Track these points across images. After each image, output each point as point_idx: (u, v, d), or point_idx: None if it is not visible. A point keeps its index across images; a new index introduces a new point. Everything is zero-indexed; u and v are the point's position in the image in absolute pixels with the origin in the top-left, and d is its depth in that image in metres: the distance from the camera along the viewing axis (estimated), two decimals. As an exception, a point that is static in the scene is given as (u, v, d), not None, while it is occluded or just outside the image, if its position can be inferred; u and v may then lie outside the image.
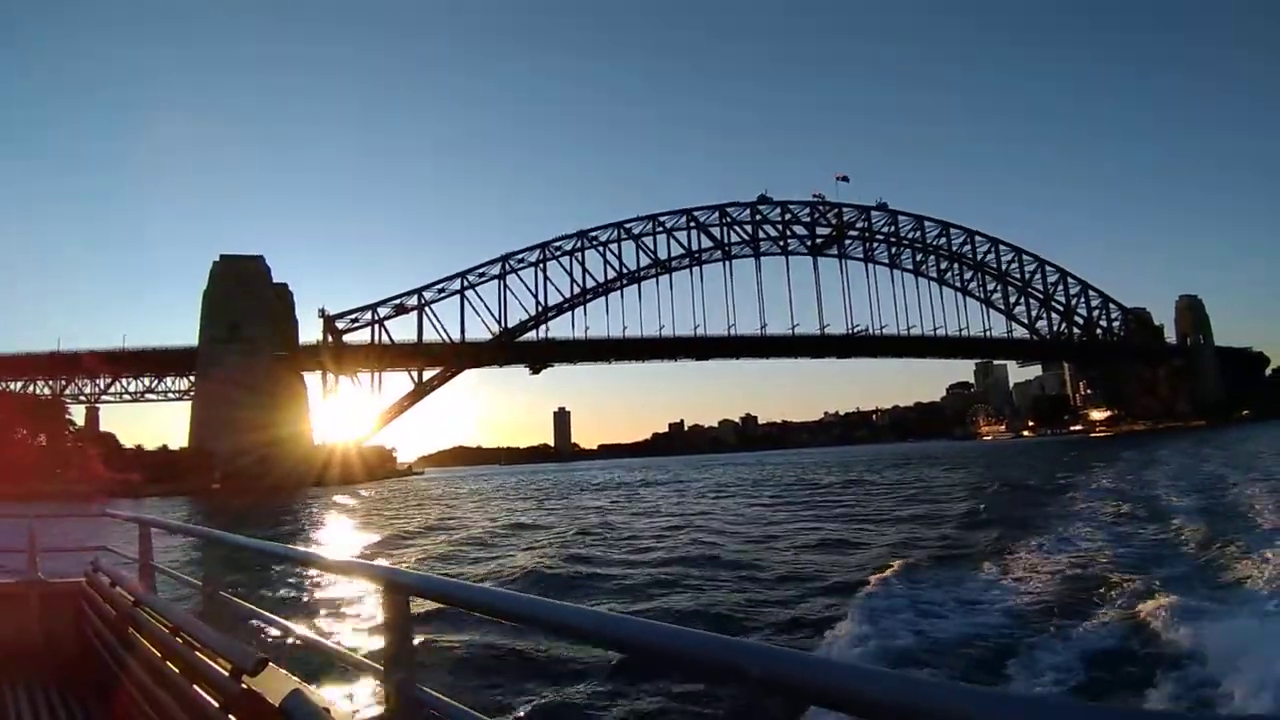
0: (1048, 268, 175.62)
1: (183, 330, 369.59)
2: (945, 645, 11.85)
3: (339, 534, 39.93)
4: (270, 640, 7.97)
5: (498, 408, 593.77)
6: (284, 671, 3.00)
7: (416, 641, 2.73)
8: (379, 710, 2.66)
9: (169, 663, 3.82)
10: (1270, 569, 14.58)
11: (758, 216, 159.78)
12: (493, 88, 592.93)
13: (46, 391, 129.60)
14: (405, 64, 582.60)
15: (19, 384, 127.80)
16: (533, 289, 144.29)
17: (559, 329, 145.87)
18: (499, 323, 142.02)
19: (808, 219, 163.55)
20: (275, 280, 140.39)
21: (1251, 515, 22.88)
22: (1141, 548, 19.53)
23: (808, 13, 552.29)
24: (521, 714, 9.68)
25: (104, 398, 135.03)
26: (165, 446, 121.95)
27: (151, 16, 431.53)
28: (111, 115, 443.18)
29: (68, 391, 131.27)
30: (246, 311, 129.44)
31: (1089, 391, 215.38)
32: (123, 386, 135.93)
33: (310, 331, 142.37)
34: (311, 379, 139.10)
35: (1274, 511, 22.62)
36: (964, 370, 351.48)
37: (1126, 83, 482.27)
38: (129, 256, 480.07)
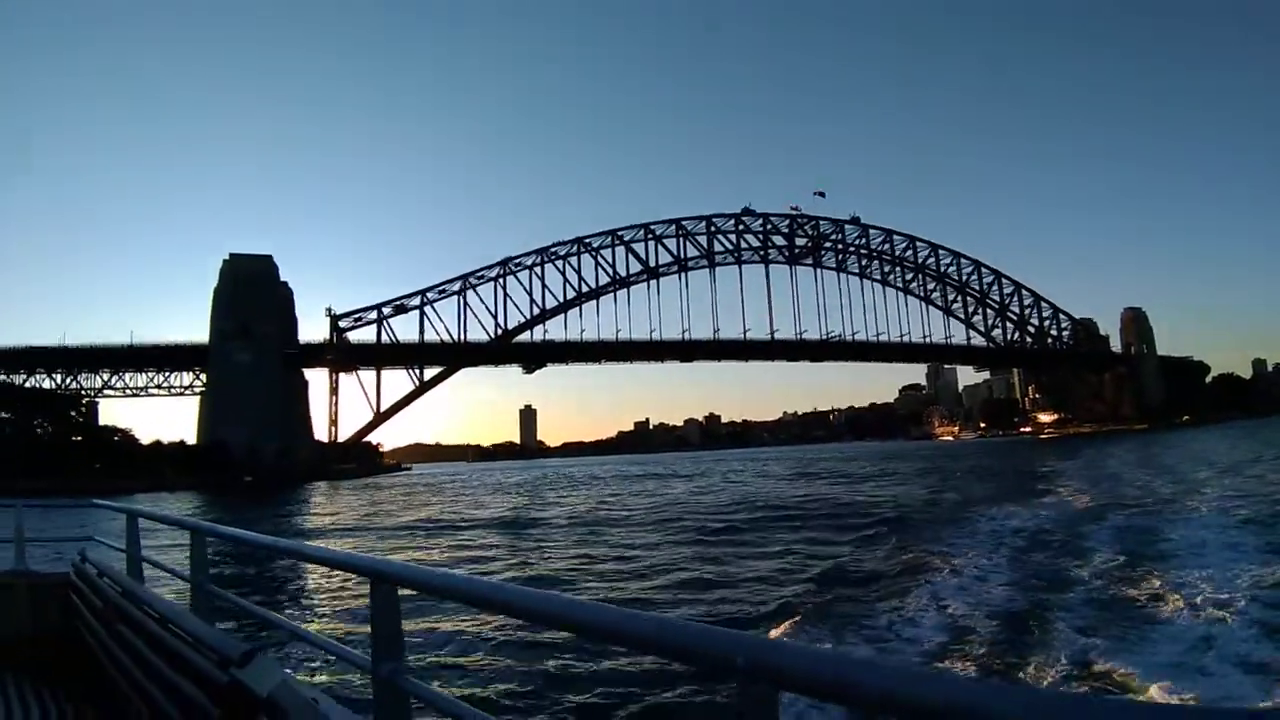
0: (1003, 280, 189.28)
1: (185, 326, 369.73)
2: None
3: (444, 520, 43.49)
4: (258, 631, 9.62)
5: (460, 405, 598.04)
6: (272, 662, 2.95)
7: (404, 632, 2.71)
8: (367, 701, 2.88)
9: (156, 654, 3.76)
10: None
11: (741, 227, 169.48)
12: (495, 101, 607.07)
13: (49, 385, 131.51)
14: (412, 74, 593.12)
15: (24, 378, 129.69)
16: (530, 291, 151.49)
17: (553, 330, 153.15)
18: (496, 323, 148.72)
19: (786, 230, 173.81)
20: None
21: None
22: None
23: (790, 37, 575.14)
24: (509, 703, 9.83)
25: (107, 392, 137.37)
26: (182, 441, 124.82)
27: (160, 17, 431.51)
28: (122, 113, 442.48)
29: (72, 386, 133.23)
30: (256, 309, 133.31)
31: (1037, 395, 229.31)
32: (126, 381, 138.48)
33: (309, 330, 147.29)
34: (313, 375, 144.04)
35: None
36: (916, 373, 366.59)
37: (1082, 109, 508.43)
38: (134, 253, 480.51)
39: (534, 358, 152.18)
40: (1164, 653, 10.36)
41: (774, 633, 12.34)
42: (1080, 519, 23.70)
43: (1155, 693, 8.84)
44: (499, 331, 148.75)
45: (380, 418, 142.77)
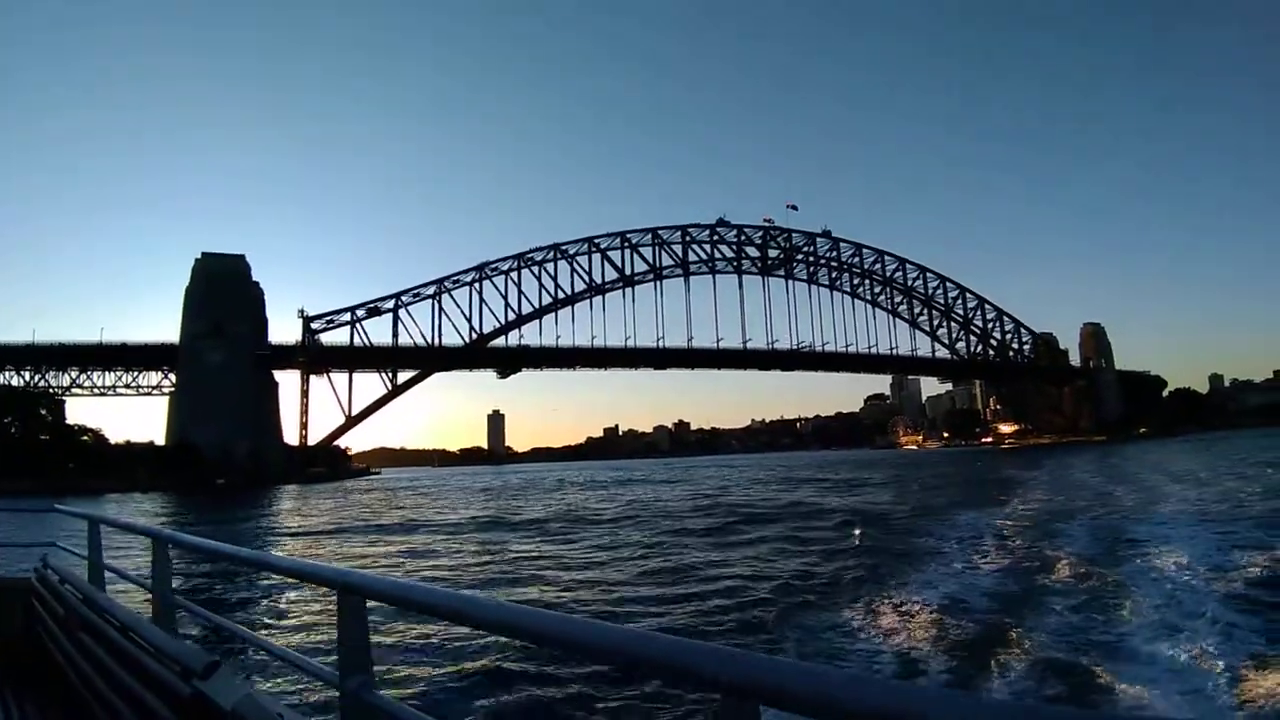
0: (967, 294, 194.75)
1: (156, 325, 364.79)
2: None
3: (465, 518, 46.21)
4: (221, 642, 9.74)
5: (426, 409, 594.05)
6: (236, 674, 3.01)
7: (372, 644, 2.68)
8: (333, 715, 2.77)
9: (119, 664, 3.72)
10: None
11: (715, 238, 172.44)
12: (474, 107, 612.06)
13: (17, 382, 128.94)
14: (391, 79, 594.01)
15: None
16: (505, 296, 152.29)
17: (528, 336, 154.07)
18: (471, 328, 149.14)
19: (760, 242, 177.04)
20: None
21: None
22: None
23: (767, 57, 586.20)
24: (478, 718, 9.71)
25: (75, 390, 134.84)
26: (152, 442, 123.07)
27: (131, 17, 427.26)
28: (94, 109, 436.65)
29: (39, 384, 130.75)
30: (229, 309, 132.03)
31: (998, 407, 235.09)
32: (94, 380, 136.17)
33: (280, 331, 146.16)
34: (283, 377, 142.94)
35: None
36: (880, 383, 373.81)
37: (1043, 132, 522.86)
38: (105, 250, 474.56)
39: (509, 363, 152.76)
40: (1141, 615, 12.23)
41: (756, 647, 11.89)
42: (1054, 518, 25.87)
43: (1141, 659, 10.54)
44: (473, 336, 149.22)
45: (352, 421, 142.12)
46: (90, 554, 5.92)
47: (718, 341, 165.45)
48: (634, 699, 9.77)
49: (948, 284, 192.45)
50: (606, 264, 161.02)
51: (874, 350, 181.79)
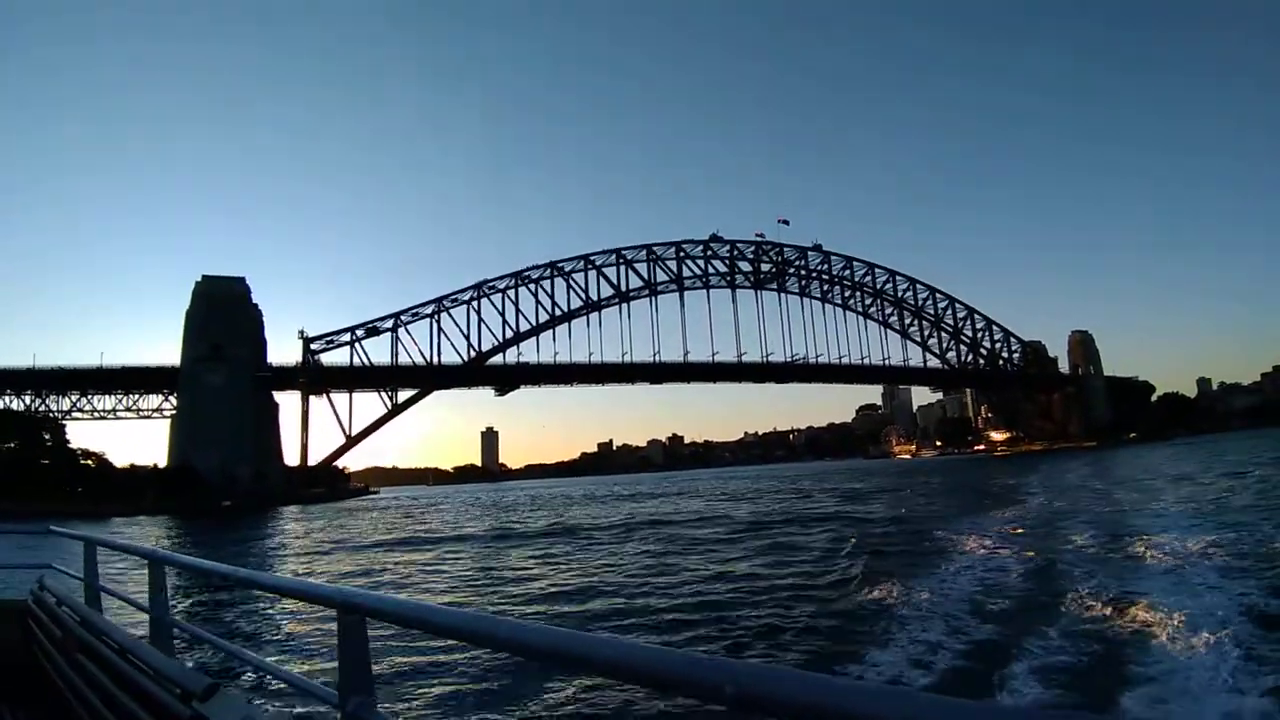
0: (957, 304, 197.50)
1: (156, 348, 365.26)
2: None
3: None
4: (221, 664, 9.76)
5: (419, 427, 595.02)
6: (236, 696, 2.95)
7: (373, 664, 2.62)
8: None
9: (117, 686, 3.70)
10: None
11: (709, 253, 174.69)
12: (470, 127, 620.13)
13: (18, 406, 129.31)
14: (388, 100, 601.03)
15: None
16: (503, 314, 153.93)
17: (526, 353, 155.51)
18: (470, 345, 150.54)
19: (752, 256, 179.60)
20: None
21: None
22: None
23: (756, 74, 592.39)
24: None
25: (75, 414, 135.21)
26: (155, 465, 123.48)
27: (131, 36, 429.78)
28: (94, 132, 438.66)
29: (40, 408, 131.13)
30: (229, 332, 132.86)
31: (989, 415, 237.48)
32: (94, 404, 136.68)
33: (280, 352, 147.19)
34: (283, 398, 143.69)
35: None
36: (872, 393, 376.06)
37: (1031, 141, 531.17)
38: (106, 274, 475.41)
39: (507, 380, 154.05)
40: (1147, 587, 14.03)
41: (764, 658, 12.24)
42: (1058, 516, 27.72)
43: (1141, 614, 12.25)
44: (472, 354, 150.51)
45: (352, 441, 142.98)
46: (86, 575, 5.87)
47: (713, 355, 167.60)
48: (639, 713, 9.76)
49: (937, 295, 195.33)
50: (603, 280, 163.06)
51: (866, 361, 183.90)
